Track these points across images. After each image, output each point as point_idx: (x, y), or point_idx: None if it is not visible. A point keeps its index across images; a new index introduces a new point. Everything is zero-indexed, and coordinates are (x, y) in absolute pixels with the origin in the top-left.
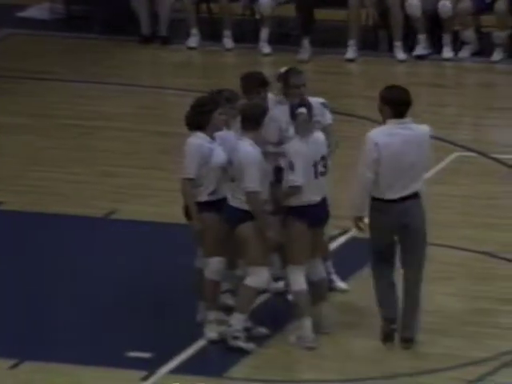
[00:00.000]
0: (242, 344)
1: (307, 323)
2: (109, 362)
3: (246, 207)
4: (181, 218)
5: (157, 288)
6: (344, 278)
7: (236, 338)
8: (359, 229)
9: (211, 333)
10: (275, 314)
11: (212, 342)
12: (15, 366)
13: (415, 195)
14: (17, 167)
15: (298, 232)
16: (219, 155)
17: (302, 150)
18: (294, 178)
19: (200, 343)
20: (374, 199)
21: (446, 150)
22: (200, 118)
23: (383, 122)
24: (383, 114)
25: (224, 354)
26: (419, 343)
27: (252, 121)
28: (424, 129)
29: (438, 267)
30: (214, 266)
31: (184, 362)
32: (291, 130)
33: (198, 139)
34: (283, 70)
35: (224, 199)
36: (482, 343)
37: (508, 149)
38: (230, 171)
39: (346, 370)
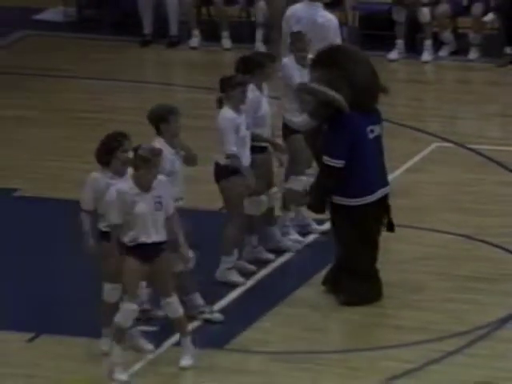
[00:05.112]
0: (208, 316)
1: None
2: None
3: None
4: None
5: None
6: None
7: (201, 312)
8: None
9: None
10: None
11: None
12: (32, 339)
13: None
14: (35, 157)
15: None
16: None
17: None
18: None
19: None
20: None
21: (426, 141)
22: (104, 155)
23: None
24: None
25: (224, 327)
26: (400, 318)
27: None
28: None
29: (419, 248)
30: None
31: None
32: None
33: (96, 174)
34: None
35: None
36: (459, 318)
37: (483, 139)
38: None
39: (332, 342)
